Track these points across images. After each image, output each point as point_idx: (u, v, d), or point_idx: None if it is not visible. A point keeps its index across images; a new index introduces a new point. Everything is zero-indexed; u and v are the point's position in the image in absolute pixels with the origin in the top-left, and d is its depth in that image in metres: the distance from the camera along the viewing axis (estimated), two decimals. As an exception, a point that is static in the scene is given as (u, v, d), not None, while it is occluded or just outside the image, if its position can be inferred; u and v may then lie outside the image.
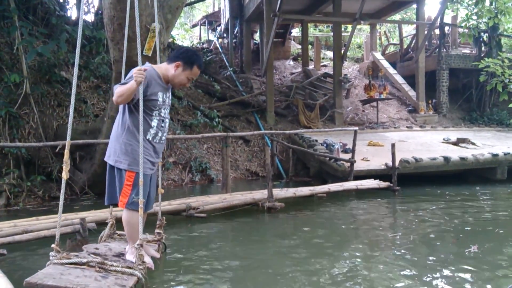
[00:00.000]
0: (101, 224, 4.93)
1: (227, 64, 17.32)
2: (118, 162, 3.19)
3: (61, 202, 2.87)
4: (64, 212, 5.58)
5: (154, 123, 3.25)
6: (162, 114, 3.32)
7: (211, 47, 20.40)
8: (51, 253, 2.85)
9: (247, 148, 11.82)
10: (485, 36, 15.29)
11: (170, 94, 3.44)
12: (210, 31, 25.06)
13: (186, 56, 3.26)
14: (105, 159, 3.31)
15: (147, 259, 3.10)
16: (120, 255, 3.16)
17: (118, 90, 3.04)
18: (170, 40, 14.04)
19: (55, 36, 8.92)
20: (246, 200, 6.39)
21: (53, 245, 2.86)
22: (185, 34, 27.59)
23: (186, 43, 23.14)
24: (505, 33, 15.84)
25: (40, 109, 8.50)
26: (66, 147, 2.89)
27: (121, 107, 3.29)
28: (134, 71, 3.03)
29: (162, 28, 6.36)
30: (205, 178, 10.18)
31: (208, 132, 10.92)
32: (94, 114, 8.96)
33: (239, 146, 11.75)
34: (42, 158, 8.06)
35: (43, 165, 8.05)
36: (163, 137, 3.37)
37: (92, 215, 5.18)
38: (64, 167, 2.84)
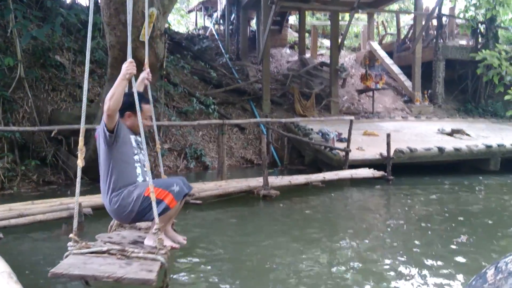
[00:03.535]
0: (97, 209, 4.94)
1: (223, 51, 17.21)
2: (127, 207, 3.03)
3: (77, 189, 2.82)
4: (59, 197, 5.61)
5: (139, 170, 3.14)
6: (141, 161, 3.18)
7: (207, 34, 20.24)
8: (70, 243, 2.80)
9: (242, 136, 11.82)
10: (482, 28, 15.29)
11: (144, 140, 3.18)
12: (206, 17, 24.81)
13: (129, 104, 3.05)
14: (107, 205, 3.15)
15: (168, 242, 3.04)
16: (136, 242, 3.12)
17: (106, 98, 2.86)
18: (166, 26, 13.93)
19: (50, 20, 8.80)
20: (241, 188, 6.41)
21: (71, 235, 2.81)
22: (181, 20, 27.32)
23: (182, 29, 22.92)
24: (502, 25, 15.83)
25: (34, 93, 8.43)
26: (81, 134, 2.81)
27: (102, 163, 3.08)
28: (123, 67, 2.90)
29: (159, 14, 6.30)
30: (200, 165, 10.19)
31: (203, 119, 10.89)
32: (89, 99, 8.90)
33: (235, 134, 11.74)
34: (36, 143, 8.01)
35: (37, 149, 8.01)
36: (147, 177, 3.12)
37: (88, 200, 5.18)
38: (79, 154, 2.79)
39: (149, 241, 2.98)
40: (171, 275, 2.83)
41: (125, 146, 3.08)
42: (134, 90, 2.94)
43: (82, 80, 9.23)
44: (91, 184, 7.53)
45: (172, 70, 12.06)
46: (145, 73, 3.36)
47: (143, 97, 3.29)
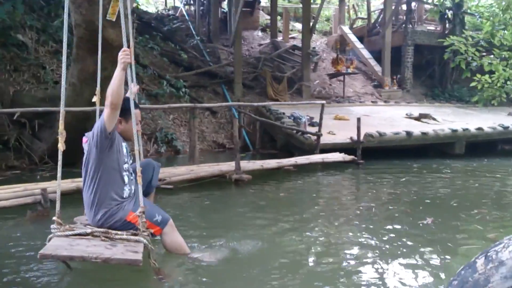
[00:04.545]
0: (63, 194, 4.76)
1: (193, 32, 16.87)
2: (108, 223, 3.00)
3: (59, 173, 2.90)
4: (23, 182, 5.42)
5: (126, 179, 3.11)
6: (129, 169, 3.17)
7: (177, 14, 19.77)
8: (53, 226, 2.82)
9: (214, 120, 11.72)
10: (449, 14, 15.57)
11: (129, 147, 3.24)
12: (176, -3, 24.25)
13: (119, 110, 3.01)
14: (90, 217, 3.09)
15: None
16: None
17: (108, 92, 2.80)
18: (135, 5, 13.53)
19: (11, -3, 8.38)
20: (213, 172, 6.36)
21: (54, 218, 2.84)
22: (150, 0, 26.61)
23: (151, 9, 22.32)
24: (468, 11, 16.17)
25: (-5, 74, 8.05)
26: (60, 118, 2.80)
27: (90, 169, 3.01)
28: (119, 58, 2.83)
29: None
30: (171, 150, 10.05)
31: (174, 102, 10.70)
32: (53, 81, 8.56)
33: (206, 118, 11.62)
34: (-2, 126, 7.68)
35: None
36: (132, 190, 3.19)
37: (54, 186, 5.00)
38: (60, 138, 2.80)
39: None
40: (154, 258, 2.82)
41: (117, 153, 3.03)
42: (131, 97, 2.95)
43: (46, 61, 8.86)
44: (57, 169, 7.31)
45: (141, 52, 11.76)
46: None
47: (133, 101, 3.23)
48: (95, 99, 3.42)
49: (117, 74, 2.79)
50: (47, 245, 2.69)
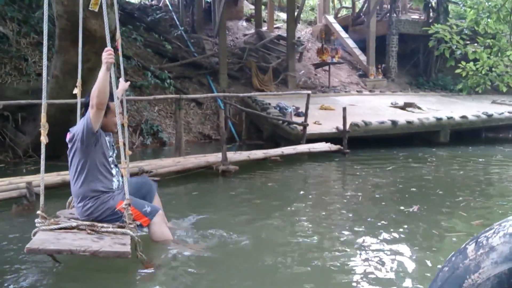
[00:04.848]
0: (49, 188, 4.72)
1: (177, 23, 16.66)
2: (96, 214, 3.02)
3: (42, 166, 2.87)
4: (8, 176, 5.33)
5: (114, 171, 3.16)
6: (114, 161, 3.22)
7: (160, 4, 19.49)
8: (37, 220, 2.78)
9: (199, 111, 11.65)
10: (433, 2, 15.67)
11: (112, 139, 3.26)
12: (159, -13, 23.90)
13: None
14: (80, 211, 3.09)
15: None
16: None
17: (93, 93, 2.77)
18: (117, -5, 13.30)
19: (-11, -13, 8.17)
20: (200, 164, 6.34)
21: (38, 212, 2.80)
22: (133, -10, 26.18)
23: None
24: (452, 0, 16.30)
25: (-25, 66, 7.86)
26: (43, 110, 2.77)
27: (77, 165, 2.99)
28: (102, 58, 2.81)
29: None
30: (157, 141, 9.98)
31: (159, 94, 10.60)
32: (36, 73, 8.40)
33: (192, 109, 11.55)
34: (-21, 120, 7.53)
35: (-20, 126, 7.54)
36: (120, 179, 3.24)
37: (39, 179, 4.93)
38: (42, 131, 2.77)
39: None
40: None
41: (103, 147, 3.05)
42: (119, 94, 2.95)
43: (28, 53, 8.68)
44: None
45: (125, 43, 11.58)
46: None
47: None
48: (76, 91, 3.38)
49: (102, 75, 2.76)
50: (33, 239, 2.66)
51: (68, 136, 3.05)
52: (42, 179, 2.88)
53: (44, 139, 2.77)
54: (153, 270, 2.86)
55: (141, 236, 2.96)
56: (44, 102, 2.79)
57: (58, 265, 2.92)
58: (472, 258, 1.10)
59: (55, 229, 2.77)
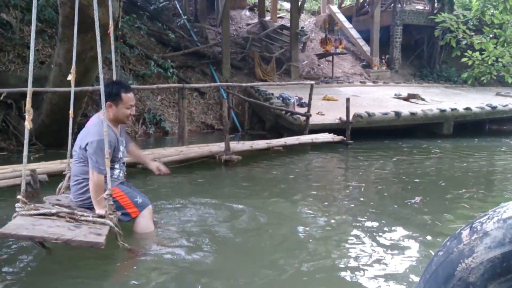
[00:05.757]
0: (52, 175, 4.75)
1: (180, 11, 16.56)
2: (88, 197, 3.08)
3: (25, 152, 2.80)
4: (11, 163, 5.34)
5: (117, 165, 3.22)
6: (122, 158, 3.28)
7: (163, -7, 19.38)
8: (17, 205, 2.75)
9: (202, 101, 11.63)
10: (438, -7, 15.53)
11: (124, 132, 3.35)
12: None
13: (108, 94, 3.03)
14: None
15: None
16: None
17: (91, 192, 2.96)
18: (120, -17, 13.20)
19: (-8, -26, 8.12)
20: (203, 153, 6.34)
21: (19, 196, 2.76)
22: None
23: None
24: (457, -10, 16.16)
25: (-22, 54, 7.85)
26: (28, 95, 2.72)
27: (83, 159, 3.06)
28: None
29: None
30: (160, 131, 9.98)
31: (161, 83, 10.58)
32: (39, 61, 8.39)
33: (194, 99, 11.53)
34: (-18, 108, 7.53)
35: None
36: (124, 168, 3.35)
37: (43, 167, 4.96)
38: (26, 116, 2.72)
39: (100, 210, 2.91)
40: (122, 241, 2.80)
41: (113, 152, 3.06)
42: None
43: (31, 40, 8.65)
44: (45, 150, 7.22)
45: (128, 31, 11.55)
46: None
47: (123, 85, 3.24)
48: (70, 77, 3.38)
49: (94, 201, 2.94)
50: (9, 223, 2.60)
51: (80, 143, 3.06)
52: (24, 165, 2.80)
53: (28, 124, 2.71)
54: (139, 258, 2.89)
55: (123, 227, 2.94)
56: (29, 88, 2.73)
57: (48, 251, 2.87)
58: (466, 243, 1.11)
59: (34, 214, 2.73)
